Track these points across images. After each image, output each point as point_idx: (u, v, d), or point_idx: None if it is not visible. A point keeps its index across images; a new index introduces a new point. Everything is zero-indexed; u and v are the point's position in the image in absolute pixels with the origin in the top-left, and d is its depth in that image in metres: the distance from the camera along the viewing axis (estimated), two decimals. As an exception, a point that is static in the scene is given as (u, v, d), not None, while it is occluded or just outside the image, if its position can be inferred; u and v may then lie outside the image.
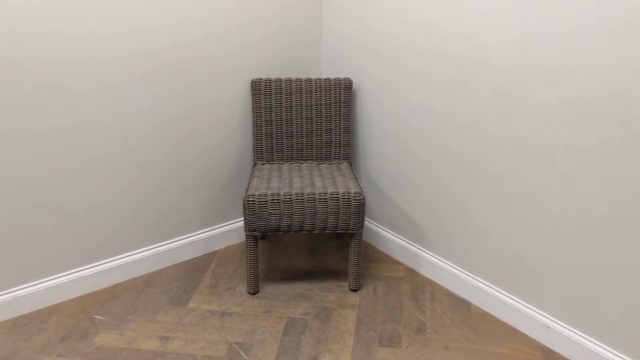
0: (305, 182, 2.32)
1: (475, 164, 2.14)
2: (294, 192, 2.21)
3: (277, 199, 2.19)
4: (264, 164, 2.55)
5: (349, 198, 2.20)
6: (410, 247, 2.54)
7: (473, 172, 2.16)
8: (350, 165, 2.57)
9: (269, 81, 2.50)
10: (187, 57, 2.33)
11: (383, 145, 2.54)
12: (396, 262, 2.61)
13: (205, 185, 2.57)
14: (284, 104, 2.52)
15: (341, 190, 2.22)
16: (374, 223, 2.74)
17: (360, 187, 2.28)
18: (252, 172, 2.45)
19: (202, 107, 2.44)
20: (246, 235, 2.26)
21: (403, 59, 2.32)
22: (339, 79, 2.53)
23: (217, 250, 2.70)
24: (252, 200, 2.18)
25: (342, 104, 2.55)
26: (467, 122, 2.12)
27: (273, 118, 2.53)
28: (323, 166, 2.53)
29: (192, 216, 2.58)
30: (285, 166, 2.52)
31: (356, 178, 2.39)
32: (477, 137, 2.10)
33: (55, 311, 2.23)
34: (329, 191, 2.21)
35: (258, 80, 2.50)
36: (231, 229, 2.72)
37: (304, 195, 2.19)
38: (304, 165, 2.54)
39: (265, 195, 2.19)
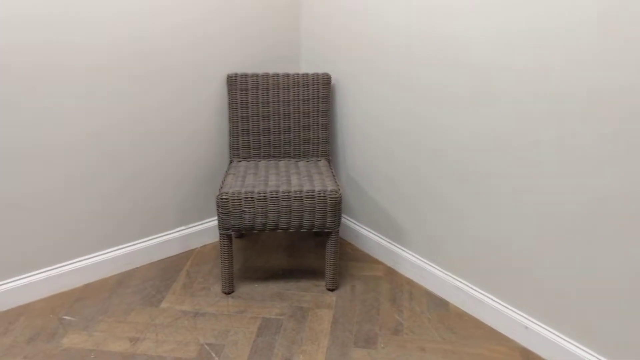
0: (282, 179, 2.27)
1: (456, 162, 2.09)
2: (268, 190, 2.16)
3: (251, 197, 2.14)
4: (240, 161, 2.50)
5: (324, 196, 2.15)
6: (390, 246, 2.49)
7: (453, 171, 2.11)
8: (329, 162, 2.52)
9: (245, 76, 2.45)
10: (161, 51, 2.27)
11: (362, 142, 2.50)
12: (375, 261, 2.56)
13: (182, 183, 2.52)
14: (260, 100, 2.47)
15: (317, 188, 2.17)
16: (354, 221, 2.69)
17: (337, 185, 2.23)
18: (228, 170, 2.40)
19: (177, 103, 2.38)
20: (220, 233, 2.21)
21: (384, 55, 2.28)
22: (317, 74, 2.48)
23: (194, 249, 2.65)
24: (226, 198, 2.13)
25: (321, 99, 2.50)
26: (447, 120, 2.08)
27: (249, 114, 2.47)
28: (301, 163, 2.48)
29: (168, 214, 2.52)
30: (262, 163, 2.47)
31: (334, 175, 2.34)
32: (457, 135, 2.05)
33: (24, 311, 2.17)
34: (305, 189, 2.17)
35: (234, 76, 2.44)
36: (208, 227, 2.67)
37: (279, 193, 2.14)
38: (282, 163, 2.48)
39: (239, 193, 2.14)
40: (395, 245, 2.47)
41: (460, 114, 2.01)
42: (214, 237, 2.70)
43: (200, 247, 2.67)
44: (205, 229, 2.65)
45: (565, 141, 1.71)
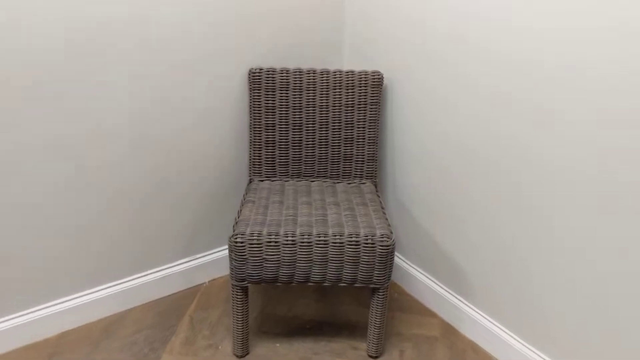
0: (316, 213, 1.73)
1: (543, 204, 1.53)
2: (298, 231, 1.62)
3: (276, 241, 1.60)
4: (262, 181, 1.96)
5: (373, 243, 1.61)
6: (448, 296, 1.95)
7: (537, 214, 1.55)
8: (375, 186, 1.97)
9: (272, 72, 1.89)
10: (165, 37, 1.72)
11: (419, 162, 1.94)
12: (429, 313, 2.03)
13: (188, 205, 1.99)
14: (291, 103, 1.91)
15: (363, 231, 1.63)
16: (402, 258, 2.15)
17: (389, 226, 1.69)
18: (246, 194, 1.86)
19: (184, 105, 1.84)
20: (233, 285, 1.69)
21: (456, 52, 1.70)
22: (366, 73, 1.91)
23: (200, 285, 2.13)
24: (241, 242, 1.60)
25: (369, 105, 1.93)
26: (534, 146, 1.51)
27: (276, 121, 1.92)
28: (340, 187, 1.94)
29: (170, 243, 2.01)
30: (290, 185, 1.93)
31: (383, 208, 1.80)
32: (547, 171, 1.49)
33: (-20, 372, 1.69)
34: (346, 232, 1.63)
35: (258, 71, 1.89)
36: (218, 259, 2.14)
37: (312, 236, 1.61)
38: (315, 185, 1.94)
39: (260, 234, 1.61)
40: (455, 296, 1.94)
41: (556, 143, 1.44)
42: (225, 270, 2.18)
43: (209, 282, 2.15)
44: (214, 260, 2.13)
45: None
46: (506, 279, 1.73)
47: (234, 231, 1.64)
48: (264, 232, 1.62)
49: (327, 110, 1.93)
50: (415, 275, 2.08)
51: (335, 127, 1.94)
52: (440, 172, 1.86)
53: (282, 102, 1.91)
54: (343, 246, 1.62)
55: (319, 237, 1.61)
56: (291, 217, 1.71)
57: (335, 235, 1.62)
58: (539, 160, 1.53)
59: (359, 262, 1.63)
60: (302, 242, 1.61)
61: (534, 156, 1.54)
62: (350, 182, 1.99)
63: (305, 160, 1.97)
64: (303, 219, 1.70)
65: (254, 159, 1.95)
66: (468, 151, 1.74)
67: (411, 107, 1.90)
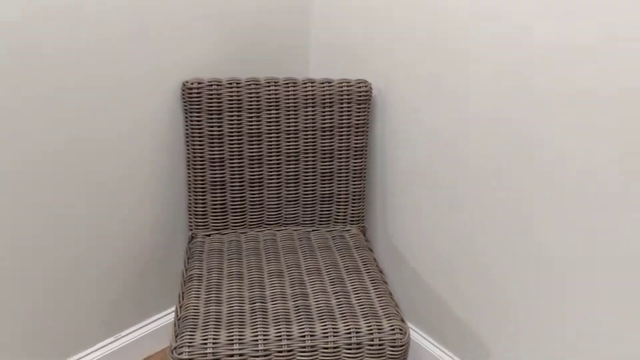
0: (292, 292, 1.22)
1: (590, 253, 1.09)
2: (272, 332, 1.11)
3: (241, 354, 1.08)
4: (209, 235, 1.42)
5: (380, 344, 1.12)
6: (462, 370, 1.51)
7: (581, 268, 1.11)
8: (364, 233, 1.46)
9: (216, 85, 1.32)
10: (66, 45, 1.12)
11: (420, 198, 1.44)
12: (436, 390, 1.58)
13: (107, 272, 1.42)
14: (246, 129, 1.36)
15: (364, 324, 1.14)
16: (395, 315, 1.68)
17: (397, 308, 1.20)
18: (187, 261, 1.32)
19: (97, 135, 1.26)
20: (178, 414, 1.16)
21: (467, 48, 1.19)
22: (347, 83, 1.38)
23: (131, 369, 1.59)
24: (189, 361, 1.07)
25: (354, 127, 1.41)
26: (578, 172, 1.05)
27: (226, 154, 1.37)
28: (317, 238, 1.42)
29: (87, 321, 1.44)
30: (250, 240, 1.39)
31: (382, 273, 1.31)
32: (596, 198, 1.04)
33: None
34: (342, 328, 1.13)
35: (196, 85, 1.31)
36: (152, 332, 1.60)
37: (294, 339, 1.10)
38: (283, 237, 1.41)
39: (215, 344, 1.08)
40: (471, 370, 1.49)
41: (614, 168, 0.98)
42: (161, 343, 1.64)
43: (143, 362, 1.61)
44: (147, 335, 1.59)
45: None
46: (533, 353, 1.29)
47: (175, 340, 1.10)
48: (222, 338, 1.09)
49: (297, 136, 1.39)
50: (419, 342, 1.61)
51: (308, 158, 1.41)
52: (448, 209, 1.38)
53: (232, 127, 1.35)
54: (339, 351, 1.12)
55: (304, 339, 1.11)
56: (258, 303, 1.19)
57: (326, 335, 1.12)
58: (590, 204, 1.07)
59: (361, 371, 1.14)
60: (280, 352, 1.10)
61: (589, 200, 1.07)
62: (330, 229, 1.47)
63: (268, 205, 1.43)
64: (276, 305, 1.18)
65: (195, 206, 1.40)
66: (487, 183, 1.26)
67: (411, 127, 1.39)
